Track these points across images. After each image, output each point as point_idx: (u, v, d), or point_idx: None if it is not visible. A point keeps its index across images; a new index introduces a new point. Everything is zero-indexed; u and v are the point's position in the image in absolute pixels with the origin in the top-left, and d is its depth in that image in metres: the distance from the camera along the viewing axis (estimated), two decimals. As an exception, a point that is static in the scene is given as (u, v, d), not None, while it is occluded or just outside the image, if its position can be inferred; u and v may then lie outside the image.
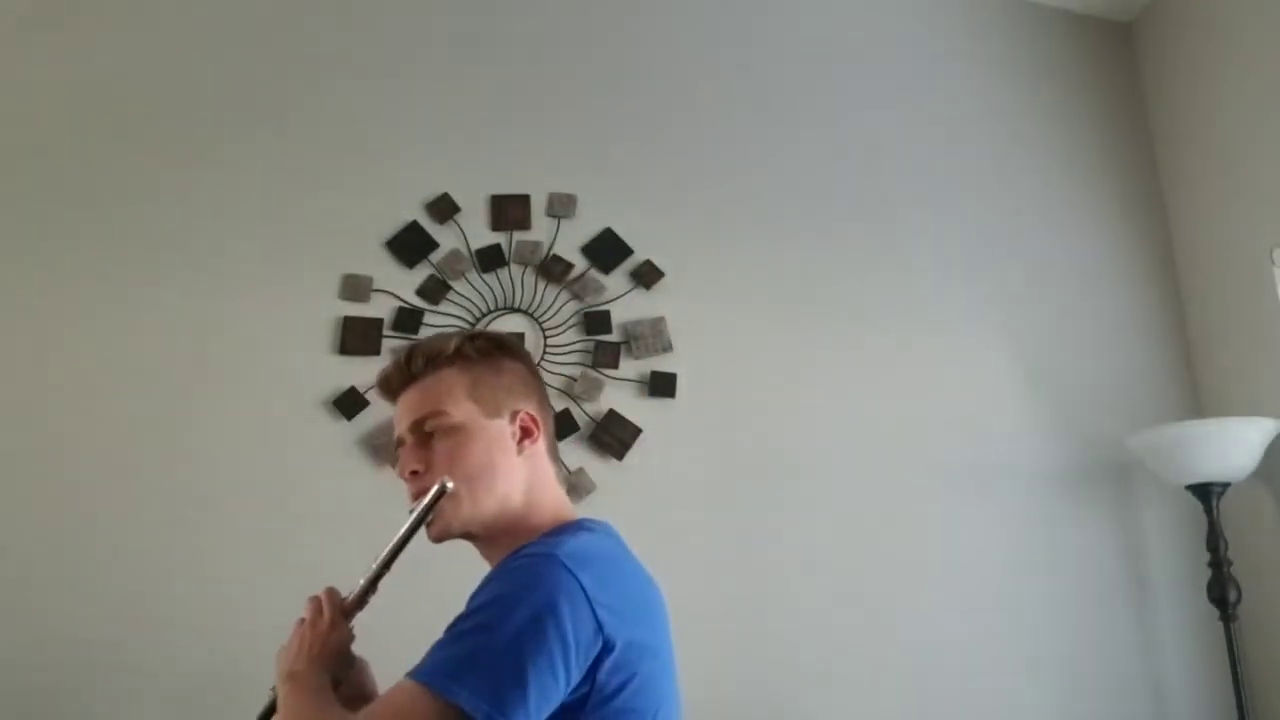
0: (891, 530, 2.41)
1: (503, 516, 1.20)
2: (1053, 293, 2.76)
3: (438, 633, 1.06)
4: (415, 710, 0.98)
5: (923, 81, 2.84)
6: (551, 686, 1.00)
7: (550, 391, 2.24)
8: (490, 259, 2.33)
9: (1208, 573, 2.42)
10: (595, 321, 2.34)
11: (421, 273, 2.29)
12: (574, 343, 2.32)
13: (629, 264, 2.41)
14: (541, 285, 2.35)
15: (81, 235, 2.10)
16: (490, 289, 2.32)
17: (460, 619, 1.05)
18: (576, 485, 2.18)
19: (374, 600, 1.22)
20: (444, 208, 2.33)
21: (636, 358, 2.34)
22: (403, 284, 2.26)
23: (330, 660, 1.16)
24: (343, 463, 2.11)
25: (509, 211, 2.37)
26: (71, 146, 2.15)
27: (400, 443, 1.25)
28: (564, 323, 2.33)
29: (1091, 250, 2.84)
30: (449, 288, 2.29)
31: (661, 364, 2.36)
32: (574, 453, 2.22)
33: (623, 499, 2.17)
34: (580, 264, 2.38)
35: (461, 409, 1.22)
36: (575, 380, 2.29)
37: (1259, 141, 2.64)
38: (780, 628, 2.27)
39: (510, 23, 2.53)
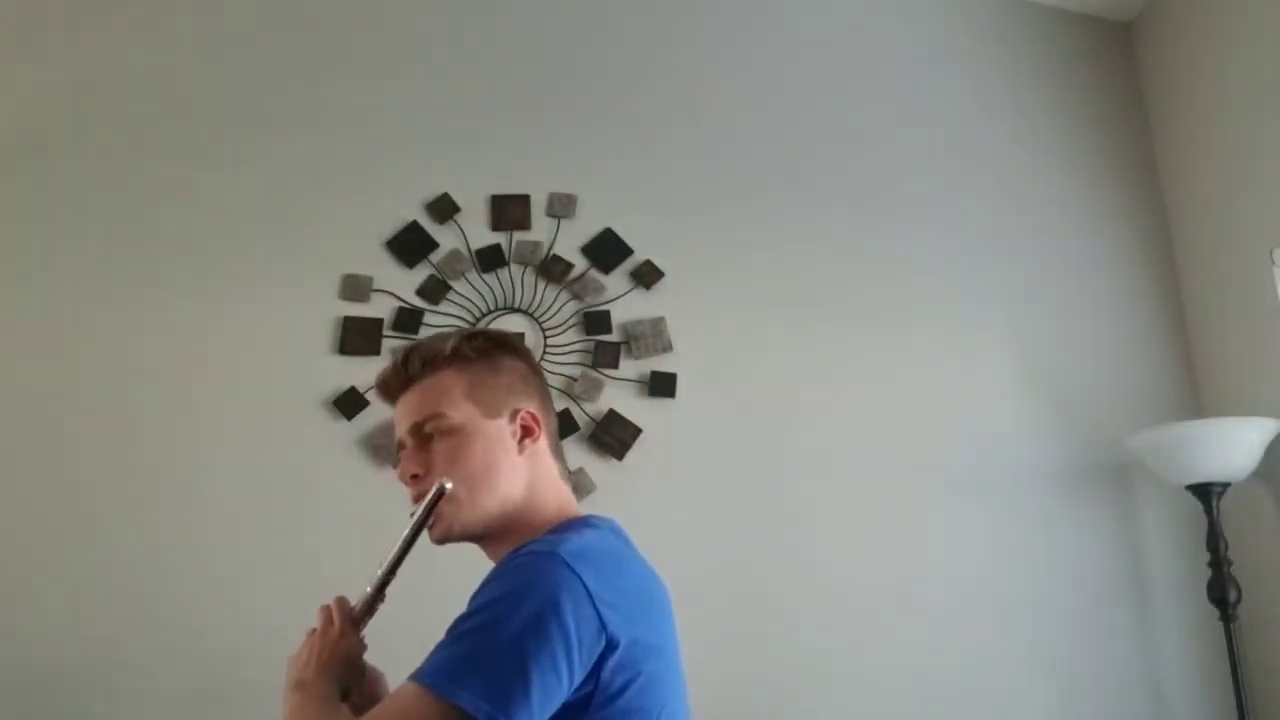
0: (891, 530, 2.41)
1: (505, 516, 1.20)
2: (1053, 293, 2.76)
3: (443, 633, 1.05)
4: (417, 713, 0.98)
5: (923, 81, 2.84)
6: (554, 686, 1.00)
7: (551, 392, 2.24)
8: (490, 259, 2.33)
9: (1208, 573, 2.42)
10: (595, 321, 2.34)
11: (421, 273, 2.29)
12: (574, 343, 2.32)
13: (629, 264, 2.41)
14: (541, 285, 2.35)
15: (81, 235, 2.10)
16: (490, 289, 2.32)
17: (461, 619, 1.05)
18: (576, 485, 2.15)
19: (389, 600, 1.22)
20: (444, 208, 2.33)
21: (636, 358, 2.34)
22: (403, 284, 2.26)
23: (339, 669, 1.15)
24: (343, 463, 2.11)
25: (509, 211, 2.37)
26: (71, 147, 2.15)
27: (401, 446, 1.25)
28: (564, 323, 2.33)
29: (1091, 250, 2.84)
30: (449, 288, 2.29)
31: (661, 364, 2.36)
32: (574, 453, 2.22)
33: (623, 499, 2.17)
34: (580, 264, 2.38)
35: (460, 410, 1.21)
36: (575, 380, 2.29)
37: (1259, 141, 2.64)
38: (780, 627, 2.27)
39: (510, 23, 2.53)
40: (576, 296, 2.36)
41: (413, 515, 1.19)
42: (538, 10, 2.57)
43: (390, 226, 2.29)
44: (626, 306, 2.37)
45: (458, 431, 1.20)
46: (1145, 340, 2.80)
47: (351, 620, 1.19)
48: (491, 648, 0.99)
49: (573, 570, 1.04)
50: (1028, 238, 2.79)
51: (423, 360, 1.24)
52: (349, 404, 2.14)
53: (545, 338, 2.31)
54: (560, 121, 2.48)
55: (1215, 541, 2.41)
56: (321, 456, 2.10)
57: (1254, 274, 2.62)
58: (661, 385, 2.33)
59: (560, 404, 2.24)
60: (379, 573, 1.20)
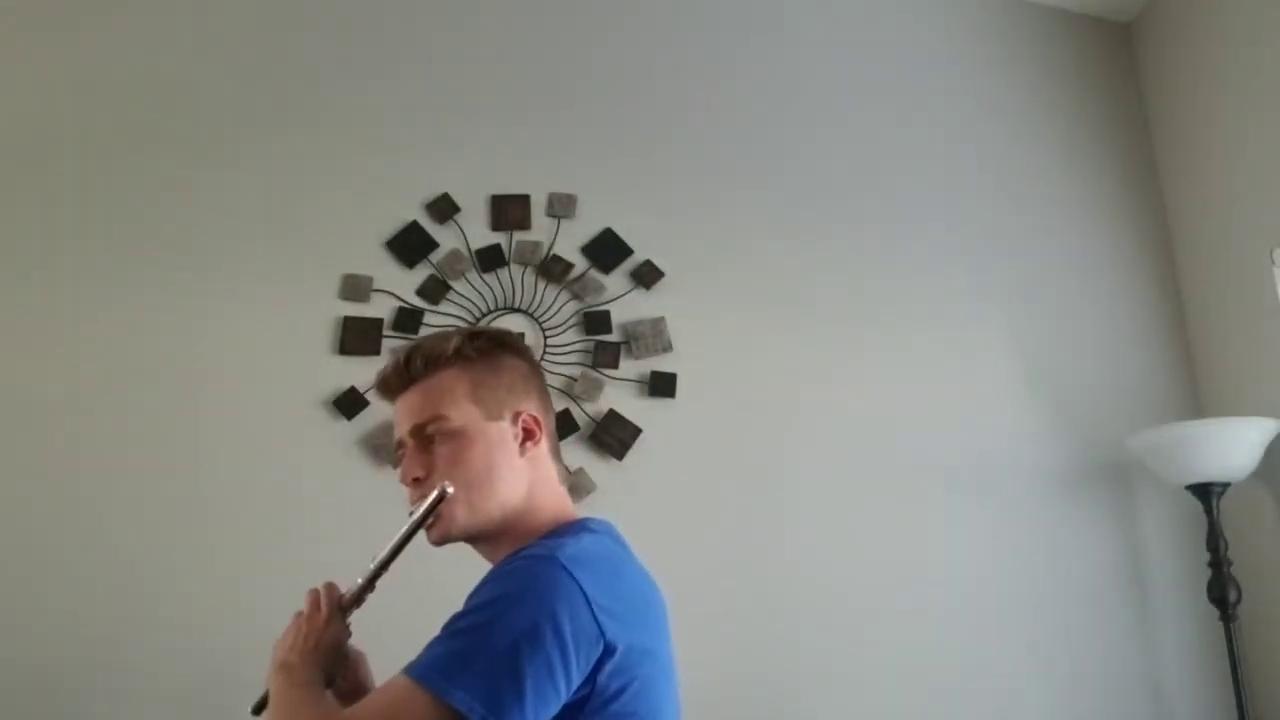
0: (892, 530, 2.41)
1: (504, 519, 1.20)
2: (1053, 293, 2.76)
3: (438, 628, 1.05)
4: (410, 708, 0.98)
5: (922, 81, 2.84)
6: (549, 691, 0.99)
7: (550, 392, 2.24)
8: (490, 259, 2.33)
9: (1208, 573, 2.42)
10: (595, 321, 2.34)
11: (421, 273, 2.29)
12: (574, 343, 2.32)
13: (629, 264, 2.41)
14: (541, 285, 2.35)
15: (81, 235, 2.10)
16: (490, 289, 2.32)
17: (458, 616, 1.05)
18: (576, 485, 2.18)
19: (376, 596, 1.22)
20: (444, 208, 2.33)
21: (636, 358, 2.34)
22: (403, 284, 2.26)
23: (323, 655, 1.15)
24: (343, 463, 2.11)
25: (509, 211, 2.37)
26: (71, 147, 2.15)
27: (401, 445, 1.24)
28: (564, 323, 2.33)
29: (1091, 250, 2.84)
30: (449, 288, 2.29)
31: (661, 364, 2.36)
32: (574, 453, 2.22)
33: (623, 499, 2.17)
34: (580, 264, 2.38)
35: (462, 412, 1.21)
36: (575, 380, 2.29)
37: (1259, 141, 2.64)
38: (779, 627, 2.27)
39: (511, 23, 2.53)
40: (576, 296, 2.36)
41: (411, 514, 1.19)
42: (538, 10, 2.56)
43: (390, 226, 2.29)
44: (626, 306, 2.37)
45: (459, 434, 1.20)
46: (1145, 340, 2.80)
47: (339, 607, 1.20)
48: (487, 649, 0.99)
49: (571, 575, 1.03)
50: (1028, 238, 2.79)
51: (425, 360, 1.23)
52: (349, 404, 2.14)
53: (545, 338, 2.31)
54: (560, 121, 2.48)
55: (1215, 541, 2.41)
56: (321, 456, 2.09)
57: (1254, 274, 2.62)
58: (661, 385, 2.33)
59: (560, 404, 2.24)
60: (371, 565, 1.20)
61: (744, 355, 2.43)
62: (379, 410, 2.08)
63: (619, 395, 2.30)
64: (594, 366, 2.31)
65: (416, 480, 1.21)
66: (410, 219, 2.31)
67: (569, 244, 2.39)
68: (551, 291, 2.35)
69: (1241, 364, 2.66)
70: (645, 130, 2.54)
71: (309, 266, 2.21)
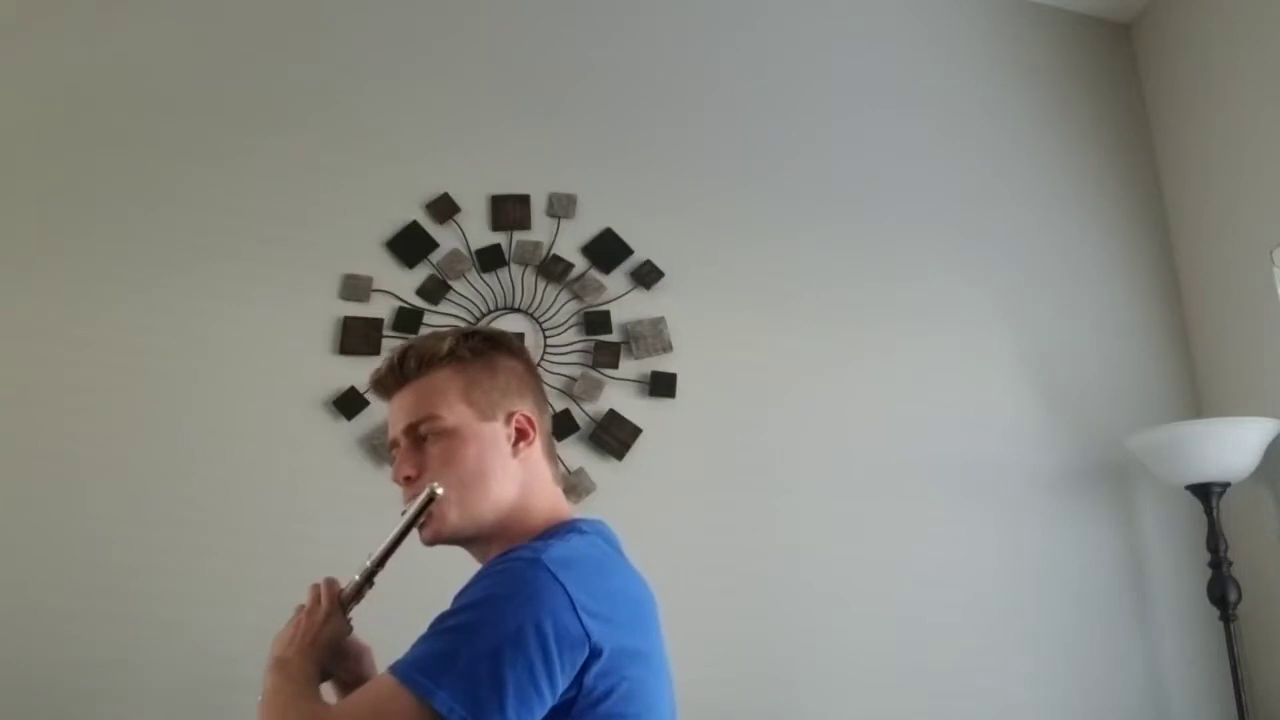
0: (892, 530, 2.41)
1: (496, 520, 1.20)
2: (1053, 293, 2.76)
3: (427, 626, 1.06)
4: (393, 707, 0.98)
5: (922, 81, 2.84)
6: (532, 694, 0.99)
7: (550, 391, 2.24)
8: (490, 259, 2.33)
9: (1208, 573, 2.42)
10: (595, 321, 2.34)
11: (421, 273, 2.29)
12: (574, 343, 2.32)
13: (629, 264, 2.41)
14: (541, 285, 2.35)
15: (81, 235, 2.10)
16: (490, 289, 2.32)
17: (444, 616, 1.05)
18: (576, 485, 2.18)
19: (378, 590, 1.23)
20: (444, 208, 2.33)
21: (636, 358, 2.34)
22: (403, 284, 2.26)
23: (321, 651, 1.16)
24: (343, 463, 2.11)
25: (509, 211, 2.37)
26: (69, 147, 2.15)
27: (394, 444, 1.25)
28: (564, 323, 2.33)
29: (1091, 250, 2.84)
30: (449, 288, 2.29)
31: (661, 364, 2.36)
32: (574, 453, 2.22)
33: (623, 499, 2.17)
34: (580, 264, 2.38)
35: (455, 412, 1.21)
36: (575, 380, 2.29)
37: (1259, 141, 2.64)
38: (779, 627, 2.27)
39: (511, 23, 2.53)
40: (576, 296, 2.36)
41: (404, 514, 1.19)
42: (538, 11, 2.56)
43: (390, 226, 2.29)
44: (626, 306, 2.37)
45: (452, 434, 1.20)
46: (1145, 340, 2.80)
47: (339, 603, 1.21)
48: (470, 651, 0.99)
49: (555, 578, 1.03)
50: (1028, 237, 2.79)
51: (418, 360, 1.23)
52: (349, 404, 2.14)
53: (545, 338, 2.31)
54: (560, 121, 2.48)
55: (1215, 541, 2.41)
56: (321, 456, 2.09)
57: (1254, 274, 2.62)
58: (661, 385, 2.33)
59: (560, 404, 2.24)
60: (367, 563, 1.21)
61: (744, 355, 2.43)
62: (379, 410, 2.08)
63: (619, 395, 2.30)
64: (594, 366, 2.31)
65: (408, 479, 1.21)
66: (410, 219, 2.31)
67: (569, 244, 2.39)
68: (551, 291, 2.35)
69: (1241, 364, 2.66)
70: (645, 130, 2.54)
71: (309, 266, 2.20)
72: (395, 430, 1.24)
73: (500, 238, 2.36)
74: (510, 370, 1.27)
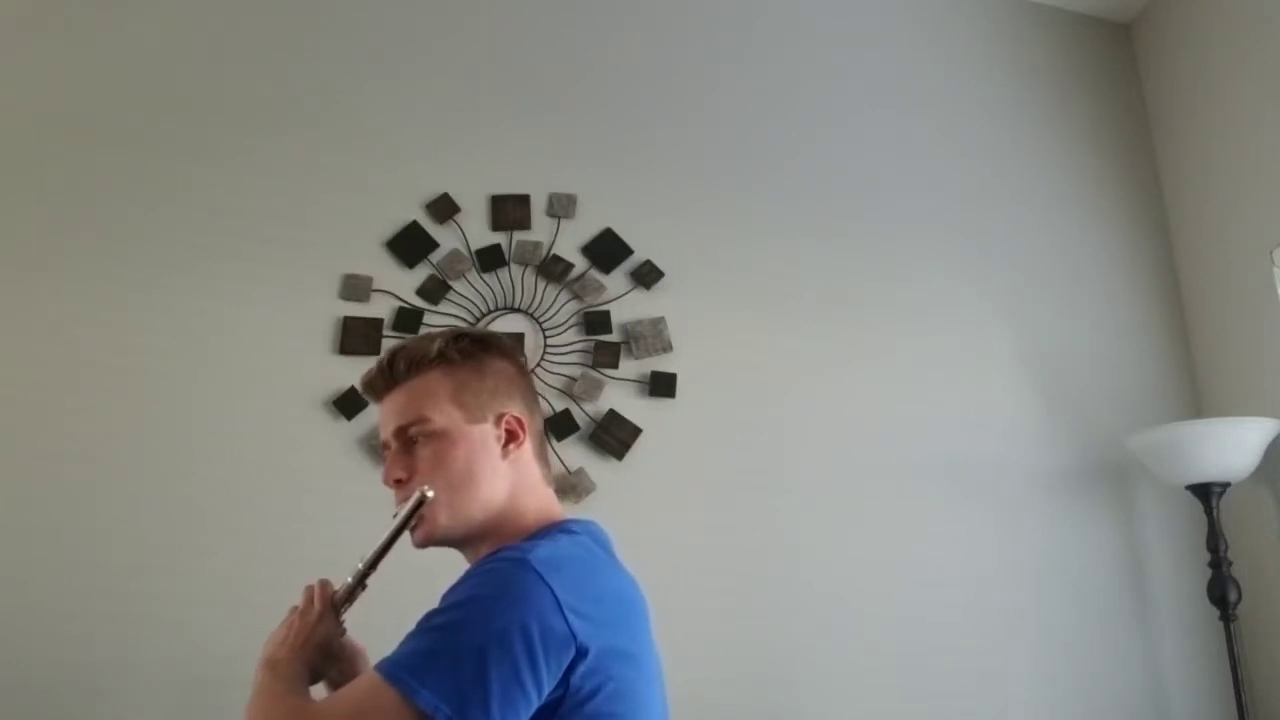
0: (892, 530, 2.41)
1: (486, 521, 1.20)
2: (1053, 293, 2.76)
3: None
4: (378, 705, 0.99)
5: (922, 81, 2.84)
6: (517, 695, 0.99)
7: (550, 391, 2.24)
8: (490, 259, 2.33)
9: (1208, 573, 2.42)
10: (595, 321, 2.34)
11: (421, 273, 2.29)
12: (574, 343, 2.32)
13: (629, 264, 2.41)
14: (541, 285, 2.35)
15: (81, 235, 2.10)
16: (490, 289, 2.32)
17: (431, 614, 1.05)
18: (576, 485, 2.18)
19: (372, 590, 1.23)
20: (444, 208, 2.33)
21: (636, 358, 2.34)
22: (403, 284, 2.26)
23: (313, 652, 1.17)
24: (343, 463, 2.11)
25: (509, 211, 2.37)
26: (71, 146, 2.14)
27: (385, 446, 1.25)
28: (564, 323, 2.33)
29: (1091, 250, 2.84)
30: (449, 288, 2.29)
31: (661, 364, 2.36)
32: (574, 453, 2.22)
33: (623, 499, 2.17)
34: (580, 264, 2.38)
35: (444, 414, 1.21)
36: (575, 380, 2.29)
37: (1259, 141, 2.64)
38: (779, 626, 2.27)
39: (511, 22, 2.53)
40: (576, 296, 2.36)
41: (395, 517, 1.20)
42: (538, 11, 2.56)
43: (390, 226, 2.29)
44: (626, 306, 2.37)
45: (441, 436, 1.20)
46: (1145, 340, 2.80)
47: (332, 605, 1.21)
48: (455, 650, 1.00)
49: (541, 578, 1.04)
50: (1028, 237, 2.79)
51: (408, 362, 1.24)
52: (349, 404, 2.14)
53: (545, 338, 2.31)
54: (560, 121, 2.48)
55: (1215, 541, 2.41)
56: (321, 456, 2.09)
57: (1254, 274, 2.62)
58: (661, 385, 2.33)
59: (560, 404, 2.25)
60: (360, 566, 1.21)
61: (744, 355, 2.43)
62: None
63: (619, 395, 2.30)
64: (594, 366, 2.31)
65: (399, 482, 1.22)
66: (410, 219, 2.31)
67: (569, 244, 2.39)
68: (551, 291, 2.35)
69: (1241, 364, 2.66)
70: (645, 130, 2.54)
71: (309, 266, 2.20)
72: (385, 432, 1.25)
73: (500, 238, 2.36)
74: (500, 372, 1.27)
